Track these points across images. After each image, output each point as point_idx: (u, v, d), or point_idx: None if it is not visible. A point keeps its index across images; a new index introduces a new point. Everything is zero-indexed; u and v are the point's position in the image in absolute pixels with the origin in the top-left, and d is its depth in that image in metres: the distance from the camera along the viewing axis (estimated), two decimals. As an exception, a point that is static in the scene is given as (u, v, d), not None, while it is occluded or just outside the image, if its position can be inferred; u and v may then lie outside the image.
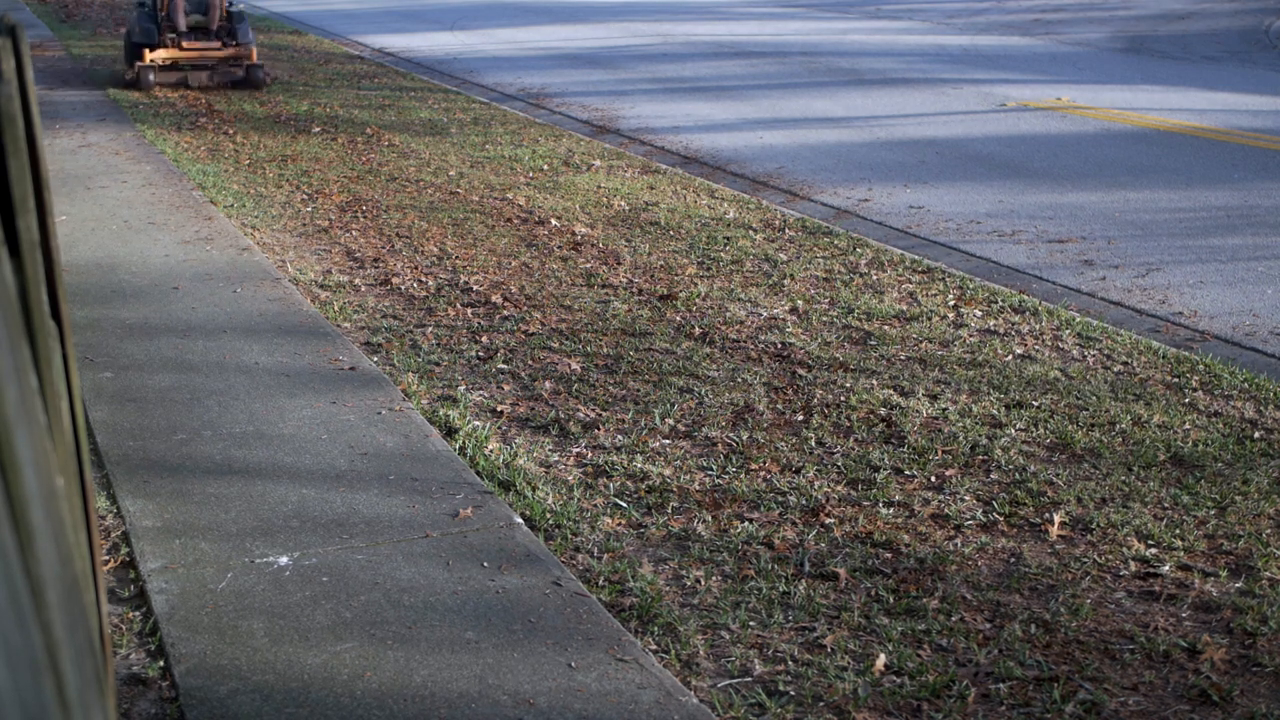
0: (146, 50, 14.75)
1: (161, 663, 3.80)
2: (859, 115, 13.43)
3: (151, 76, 14.75)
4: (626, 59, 18.07)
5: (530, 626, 3.95)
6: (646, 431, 5.52)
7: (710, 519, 4.75)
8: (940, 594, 4.23)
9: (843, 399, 5.84)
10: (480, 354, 6.48)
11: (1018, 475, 5.09)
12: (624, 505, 4.87)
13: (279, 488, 4.89)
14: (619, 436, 5.47)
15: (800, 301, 7.26)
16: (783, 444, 5.39)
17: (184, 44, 14.87)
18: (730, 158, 11.59)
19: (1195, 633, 4.03)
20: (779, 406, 5.79)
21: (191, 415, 5.56)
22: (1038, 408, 5.75)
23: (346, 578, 4.23)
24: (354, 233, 8.80)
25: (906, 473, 5.13)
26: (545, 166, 10.98)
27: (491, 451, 5.30)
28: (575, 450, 5.36)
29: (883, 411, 5.71)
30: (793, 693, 3.72)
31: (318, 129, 12.70)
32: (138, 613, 4.08)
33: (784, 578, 4.33)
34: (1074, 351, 6.51)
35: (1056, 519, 4.71)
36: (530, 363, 6.34)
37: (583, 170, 10.82)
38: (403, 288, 7.56)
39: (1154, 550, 4.52)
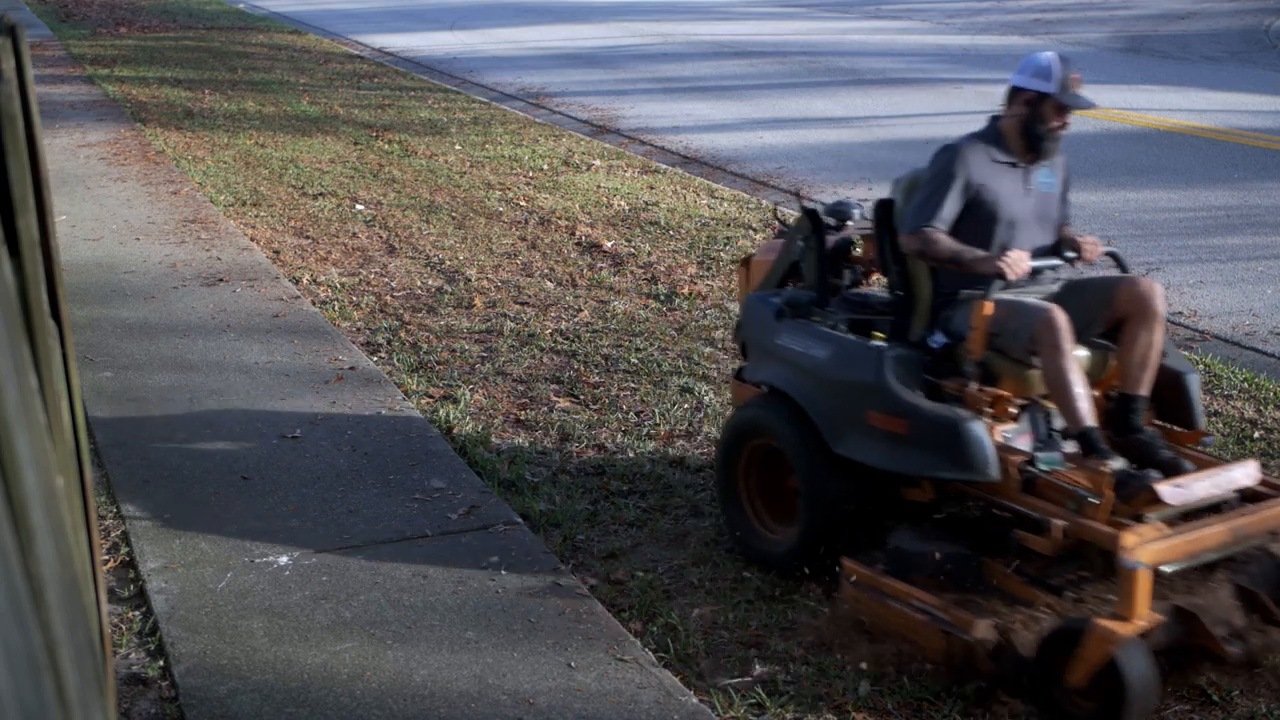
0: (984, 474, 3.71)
1: (161, 662, 3.80)
2: (859, 115, 13.43)
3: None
4: (626, 59, 18.07)
5: (530, 626, 3.95)
6: (647, 431, 5.52)
7: (710, 518, 4.74)
8: (940, 594, 4.22)
9: (843, 399, 5.83)
10: (480, 354, 6.48)
11: (1018, 475, 5.08)
12: (624, 505, 4.87)
13: (279, 488, 4.89)
14: (619, 436, 5.47)
15: (800, 301, 7.25)
16: (783, 444, 5.38)
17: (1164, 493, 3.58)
18: (730, 157, 11.59)
19: (1195, 633, 4.02)
20: (779, 406, 5.78)
21: (191, 415, 5.55)
22: (1038, 408, 5.74)
23: (346, 578, 4.23)
24: (354, 232, 8.80)
25: (906, 473, 5.11)
26: (545, 166, 10.98)
27: (491, 451, 5.30)
28: (575, 450, 5.36)
29: (883, 411, 5.70)
30: (792, 693, 3.72)
31: (318, 128, 12.70)
32: (138, 612, 4.08)
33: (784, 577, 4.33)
34: (1074, 351, 6.50)
35: (1056, 519, 4.70)
36: (530, 363, 6.33)
37: (583, 170, 10.82)
38: (403, 287, 7.56)
39: (1154, 550, 4.51)
